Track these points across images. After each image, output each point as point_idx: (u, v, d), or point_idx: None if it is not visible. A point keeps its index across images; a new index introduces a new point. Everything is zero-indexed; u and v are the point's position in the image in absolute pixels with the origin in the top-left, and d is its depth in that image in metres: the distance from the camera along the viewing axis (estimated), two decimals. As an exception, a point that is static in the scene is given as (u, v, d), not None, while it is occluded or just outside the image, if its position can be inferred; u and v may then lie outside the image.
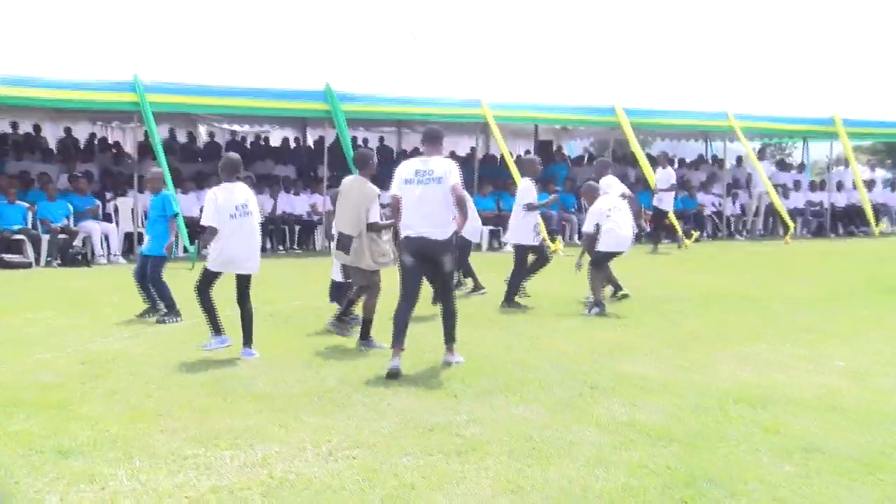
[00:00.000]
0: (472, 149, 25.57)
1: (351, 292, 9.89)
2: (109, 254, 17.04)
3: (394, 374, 8.03)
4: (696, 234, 21.11)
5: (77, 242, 16.64)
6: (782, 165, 25.06)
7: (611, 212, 11.71)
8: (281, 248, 18.99)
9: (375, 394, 7.50)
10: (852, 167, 24.11)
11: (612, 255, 11.72)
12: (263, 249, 18.28)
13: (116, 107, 17.40)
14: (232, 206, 8.83)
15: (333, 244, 9.72)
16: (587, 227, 11.91)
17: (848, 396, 7.47)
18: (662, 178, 20.14)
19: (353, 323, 9.86)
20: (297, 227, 19.14)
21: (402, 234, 8.51)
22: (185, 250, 16.40)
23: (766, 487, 5.36)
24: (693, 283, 13.95)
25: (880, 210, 24.20)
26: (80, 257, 16.38)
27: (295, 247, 18.99)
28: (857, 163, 25.40)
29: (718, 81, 23.44)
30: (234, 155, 9.31)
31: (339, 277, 10.68)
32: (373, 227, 9.26)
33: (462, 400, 7.31)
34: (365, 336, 9.40)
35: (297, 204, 19.37)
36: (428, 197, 8.33)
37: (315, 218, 19.38)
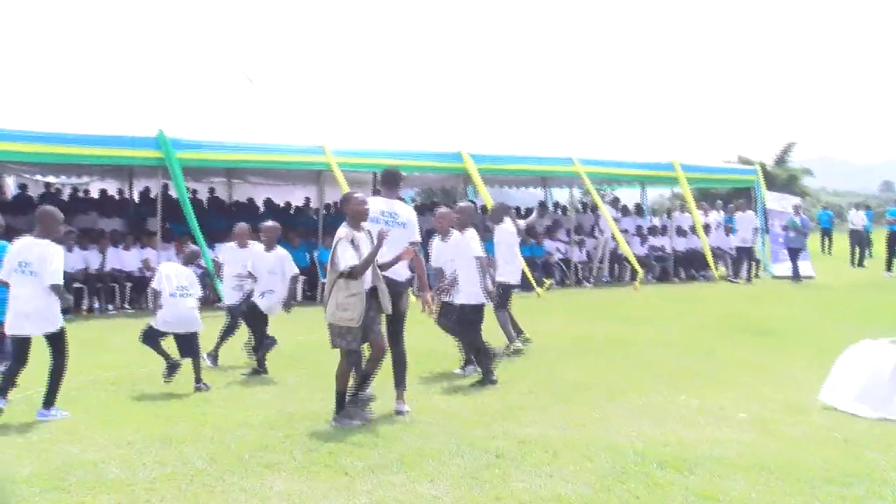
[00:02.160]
0: (307, 199, 24.66)
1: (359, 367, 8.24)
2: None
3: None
4: (548, 281, 20.77)
5: None
6: (625, 211, 25.14)
7: None
8: (111, 307, 17.43)
9: (253, 475, 6.51)
10: (692, 212, 24.42)
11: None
12: (90, 310, 17.14)
13: None
14: (15, 261, 8.31)
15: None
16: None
17: (765, 452, 7.01)
18: None
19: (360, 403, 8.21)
20: (128, 285, 17.62)
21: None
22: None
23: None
24: (560, 332, 13.45)
25: (716, 253, 24.58)
26: None
27: (126, 305, 17.45)
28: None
29: (563, 128, 23.49)
30: (50, 209, 8.61)
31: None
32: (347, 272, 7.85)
33: (355, 478, 6.41)
34: (338, 410, 8.09)
35: (127, 260, 17.84)
36: (393, 240, 8.19)
37: (147, 274, 17.86)
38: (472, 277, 10.08)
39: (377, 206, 8.52)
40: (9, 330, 8.37)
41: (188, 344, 9.89)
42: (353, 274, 7.80)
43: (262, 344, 10.80)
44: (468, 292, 10.11)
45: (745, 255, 23.89)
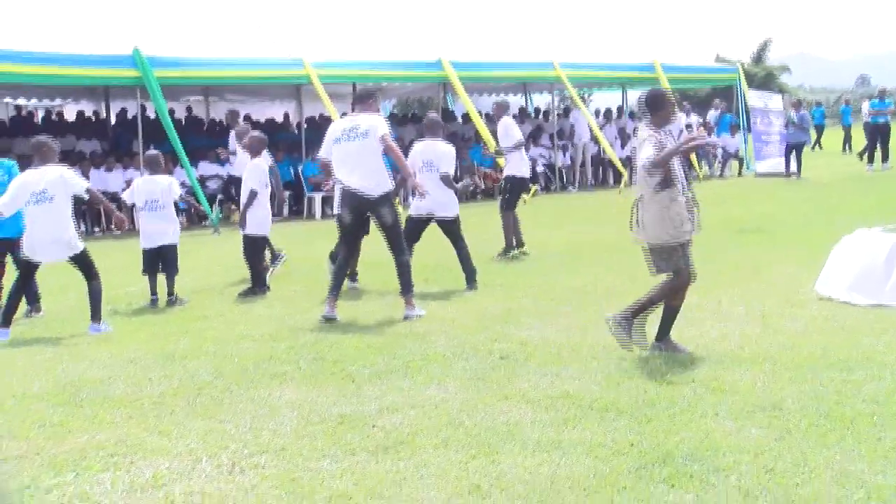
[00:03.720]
0: (286, 114, 24.41)
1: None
2: None
3: (329, 321, 8.32)
4: (534, 188, 20.72)
5: None
6: (606, 115, 24.97)
7: None
8: (97, 229, 17.34)
9: (260, 385, 6.54)
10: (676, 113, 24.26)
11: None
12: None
13: None
14: (28, 193, 8.43)
15: None
16: None
17: (766, 343, 7.08)
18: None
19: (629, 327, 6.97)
20: (112, 206, 17.44)
21: (339, 189, 8.63)
22: None
23: (749, 457, 4.77)
24: (553, 238, 13.50)
25: (699, 154, 24.52)
26: None
27: (112, 227, 17.32)
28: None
29: (543, 32, 23.26)
30: (45, 139, 8.85)
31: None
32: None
33: (362, 384, 6.45)
34: (662, 336, 7.01)
35: (111, 181, 17.68)
36: (357, 153, 8.33)
37: (131, 195, 17.75)
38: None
39: (339, 126, 8.60)
40: (34, 257, 8.56)
41: (165, 259, 9.99)
42: (654, 165, 6.50)
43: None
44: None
45: None
